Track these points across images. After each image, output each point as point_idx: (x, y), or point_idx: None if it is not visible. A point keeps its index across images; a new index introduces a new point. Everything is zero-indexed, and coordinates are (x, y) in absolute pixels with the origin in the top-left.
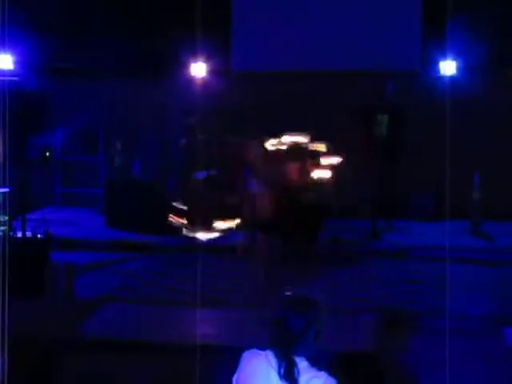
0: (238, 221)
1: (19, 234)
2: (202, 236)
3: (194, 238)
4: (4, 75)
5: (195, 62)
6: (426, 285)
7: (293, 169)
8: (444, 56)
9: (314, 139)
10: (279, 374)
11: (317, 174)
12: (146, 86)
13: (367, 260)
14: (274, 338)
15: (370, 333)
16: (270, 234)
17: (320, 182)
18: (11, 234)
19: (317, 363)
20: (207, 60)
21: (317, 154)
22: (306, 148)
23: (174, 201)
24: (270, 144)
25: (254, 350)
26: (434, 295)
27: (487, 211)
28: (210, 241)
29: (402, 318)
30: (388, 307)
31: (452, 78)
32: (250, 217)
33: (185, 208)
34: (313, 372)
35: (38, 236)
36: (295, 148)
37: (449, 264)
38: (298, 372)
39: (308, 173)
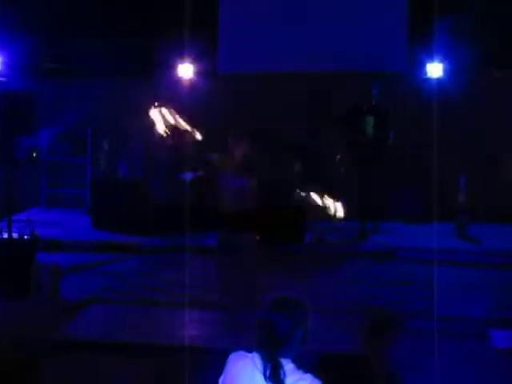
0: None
1: (5, 235)
2: (190, 236)
3: (181, 239)
4: None
5: (182, 63)
6: (412, 286)
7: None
8: (431, 58)
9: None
10: (265, 376)
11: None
12: (133, 86)
13: (353, 261)
14: (260, 340)
15: (356, 334)
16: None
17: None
18: None
19: (302, 365)
20: (194, 61)
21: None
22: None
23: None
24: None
25: (240, 352)
26: (420, 296)
27: (474, 213)
28: (197, 241)
29: (388, 319)
30: (374, 308)
31: (438, 79)
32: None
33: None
34: (298, 374)
35: (25, 237)
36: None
37: (436, 266)
38: (284, 374)
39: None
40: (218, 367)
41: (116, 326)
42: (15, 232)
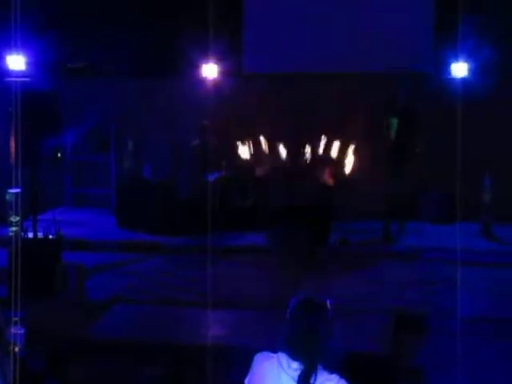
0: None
1: (30, 235)
2: (213, 236)
3: (205, 239)
4: (16, 76)
5: (207, 63)
6: (437, 287)
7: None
8: (456, 58)
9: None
10: (299, 377)
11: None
12: (158, 85)
13: (379, 261)
14: (286, 340)
15: (382, 334)
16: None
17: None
18: (22, 234)
19: (328, 365)
20: (219, 61)
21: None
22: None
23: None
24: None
25: (266, 353)
26: (445, 297)
27: (498, 213)
28: (220, 241)
29: (413, 319)
30: (399, 309)
31: (463, 79)
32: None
33: None
34: (325, 375)
35: (49, 236)
36: None
37: (460, 266)
38: (315, 376)
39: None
40: (242, 367)
41: (140, 326)
42: (40, 231)
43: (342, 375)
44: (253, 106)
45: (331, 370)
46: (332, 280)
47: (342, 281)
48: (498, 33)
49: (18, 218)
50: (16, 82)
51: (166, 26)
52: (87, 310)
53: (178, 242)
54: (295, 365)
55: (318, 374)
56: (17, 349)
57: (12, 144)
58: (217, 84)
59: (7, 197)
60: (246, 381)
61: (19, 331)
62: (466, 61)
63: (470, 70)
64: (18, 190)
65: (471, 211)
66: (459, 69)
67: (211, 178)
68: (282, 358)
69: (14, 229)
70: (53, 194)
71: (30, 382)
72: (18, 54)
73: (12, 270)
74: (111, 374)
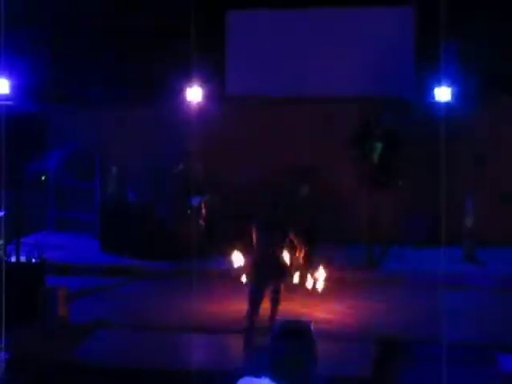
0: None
1: (13, 259)
2: (197, 260)
3: (188, 263)
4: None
5: (190, 86)
6: (420, 311)
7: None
8: (438, 83)
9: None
10: None
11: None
12: (143, 111)
13: (362, 286)
14: (269, 365)
15: (366, 359)
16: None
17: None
18: (6, 258)
19: None
20: (203, 84)
21: None
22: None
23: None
24: None
25: (249, 379)
26: (428, 322)
27: (481, 237)
28: (203, 265)
29: (397, 344)
30: (383, 334)
31: (446, 104)
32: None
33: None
34: None
35: (32, 260)
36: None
37: (443, 290)
38: None
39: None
40: None
41: (122, 351)
42: (23, 255)
43: None
44: (237, 129)
45: None
46: (314, 306)
47: (326, 306)
48: (481, 57)
49: (1, 242)
50: (0, 105)
51: (151, 52)
52: (70, 334)
53: (162, 266)
54: None
55: None
56: None
57: None
58: (201, 107)
59: None
60: None
61: (0, 358)
62: (448, 85)
63: (452, 95)
64: (1, 214)
65: (455, 235)
66: (442, 93)
67: (195, 202)
68: (266, 383)
69: None
70: (36, 217)
71: None
72: (1, 77)
73: None
74: None
